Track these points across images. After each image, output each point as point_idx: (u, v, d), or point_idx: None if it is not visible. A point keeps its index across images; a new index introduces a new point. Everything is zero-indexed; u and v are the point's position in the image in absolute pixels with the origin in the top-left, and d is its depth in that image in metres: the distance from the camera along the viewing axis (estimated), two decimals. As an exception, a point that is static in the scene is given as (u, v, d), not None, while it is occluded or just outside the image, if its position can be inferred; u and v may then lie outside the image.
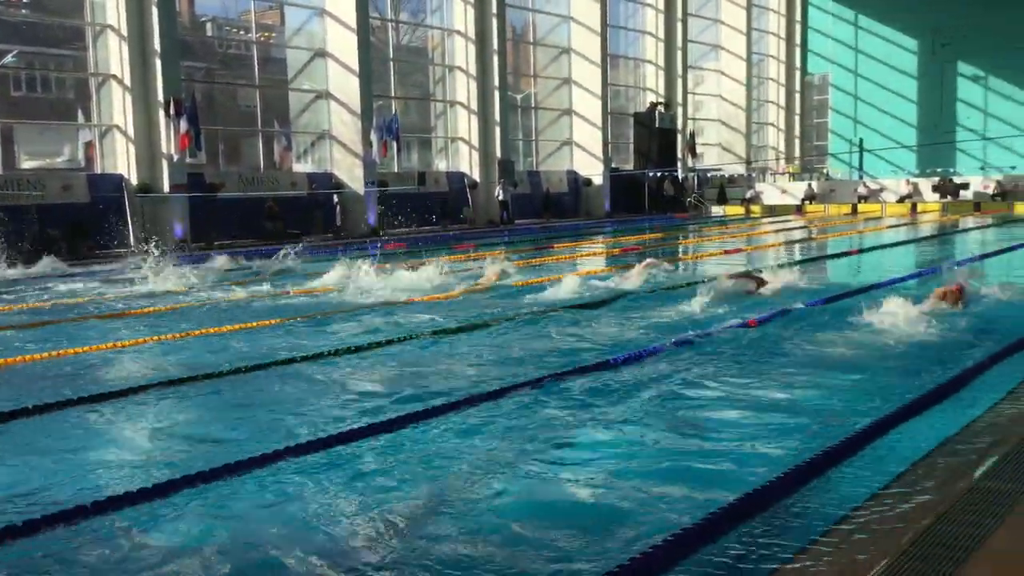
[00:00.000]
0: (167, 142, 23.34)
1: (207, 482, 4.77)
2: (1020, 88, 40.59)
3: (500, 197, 32.29)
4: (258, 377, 7.46)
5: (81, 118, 24.19)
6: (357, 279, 13.46)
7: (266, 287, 13.70)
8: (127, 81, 23.16)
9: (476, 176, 32.96)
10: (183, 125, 23.03)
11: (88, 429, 6.16)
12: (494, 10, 32.55)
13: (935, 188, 35.46)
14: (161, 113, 23.17)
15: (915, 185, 36.13)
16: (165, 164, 23.45)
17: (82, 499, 4.58)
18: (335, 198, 28.34)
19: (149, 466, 5.23)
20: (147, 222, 23.23)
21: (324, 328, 9.93)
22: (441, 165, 33.81)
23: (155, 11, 22.98)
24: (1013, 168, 36.71)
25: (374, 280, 13.33)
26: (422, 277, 13.46)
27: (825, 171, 46.34)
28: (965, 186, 35.18)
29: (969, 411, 5.37)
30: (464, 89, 32.96)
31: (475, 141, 32.97)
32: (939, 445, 4.37)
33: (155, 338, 9.30)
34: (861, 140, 43.35)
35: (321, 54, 28.71)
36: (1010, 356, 7.36)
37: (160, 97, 23.19)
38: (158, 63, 23.12)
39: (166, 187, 23.51)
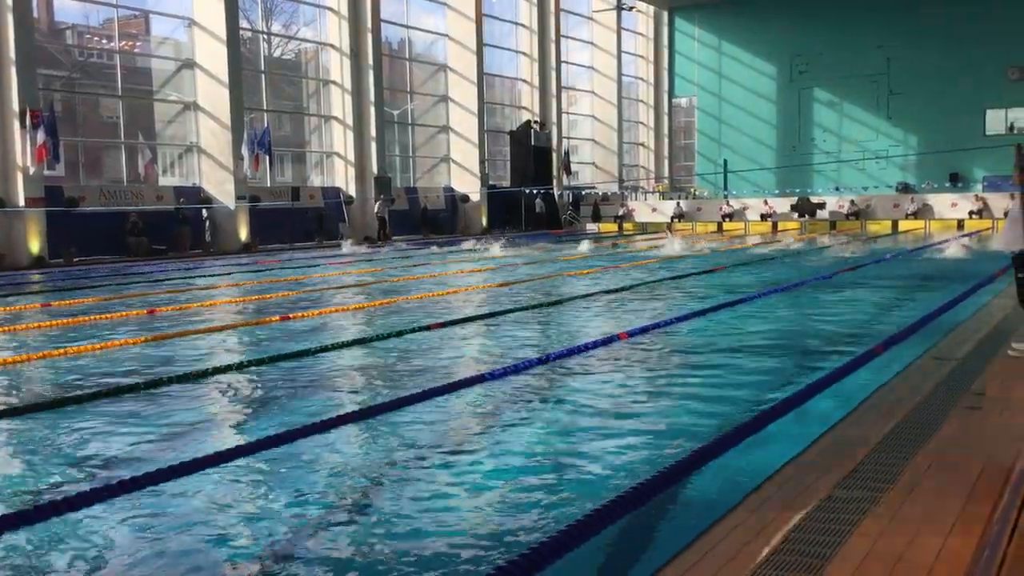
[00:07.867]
0: (23, 154, 22.22)
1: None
2: (870, 114, 43.16)
3: (377, 213, 32.07)
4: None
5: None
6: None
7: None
8: (-22, 89, 21.94)
9: (352, 192, 32.63)
10: (40, 136, 22.00)
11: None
12: (369, 25, 32.38)
13: (794, 207, 37.25)
14: (16, 124, 22.07)
15: (776, 205, 37.84)
16: (20, 177, 22.31)
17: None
18: (204, 213, 27.54)
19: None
20: (1, 237, 22.03)
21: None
22: (316, 180, 33.34)
23: (10, 17, 21.89)
24: (865, 189, 38.93)
25: None
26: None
27: (693, 190, 47.97)
28: (822, 206, 37.09)
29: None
30: (339, 103, 32.63)
31: (351, 156, 32.67)
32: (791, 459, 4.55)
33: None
34: (725, 161, 45.19)
35: (189, 65, 27.92)
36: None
37: (15, 107, 22.09)
38: (13, 72, 22.02)
39: (21, 201, 22.36)
